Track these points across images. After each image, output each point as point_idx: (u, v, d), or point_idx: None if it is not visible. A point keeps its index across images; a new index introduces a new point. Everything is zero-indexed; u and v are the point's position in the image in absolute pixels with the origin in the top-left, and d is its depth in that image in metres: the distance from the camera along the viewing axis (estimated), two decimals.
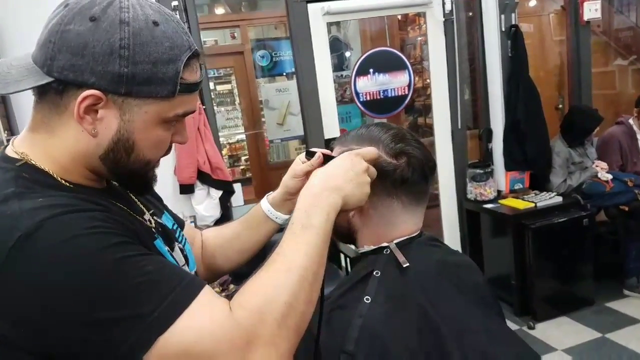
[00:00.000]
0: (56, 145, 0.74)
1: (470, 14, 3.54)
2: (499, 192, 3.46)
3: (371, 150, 0.90)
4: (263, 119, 4.81)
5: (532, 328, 3.04)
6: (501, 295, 3.29)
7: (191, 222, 2.85)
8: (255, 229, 1.10)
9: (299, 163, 1.04)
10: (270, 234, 1.12)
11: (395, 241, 0.96)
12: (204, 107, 2.82)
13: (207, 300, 0.67)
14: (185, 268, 0.93)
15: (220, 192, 2.85)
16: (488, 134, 3.51)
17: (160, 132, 0.76)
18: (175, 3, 2.73)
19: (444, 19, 3.27)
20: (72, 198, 0.69)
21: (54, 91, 0.70)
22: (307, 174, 1.03)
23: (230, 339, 0.64)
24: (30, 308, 0.61)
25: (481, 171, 3.38)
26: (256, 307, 0.67)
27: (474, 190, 3.41)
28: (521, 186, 3.47)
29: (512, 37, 3.24)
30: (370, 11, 3.17)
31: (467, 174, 3.46)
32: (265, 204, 1.09)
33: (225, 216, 2.89)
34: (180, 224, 1.07)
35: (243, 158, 5.37)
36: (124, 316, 0.62)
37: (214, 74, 5.53)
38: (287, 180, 1.06)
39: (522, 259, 3.08)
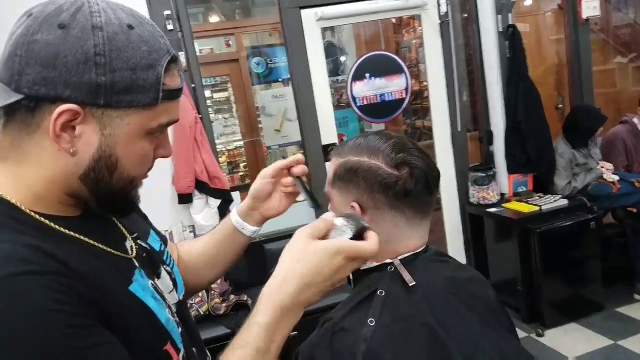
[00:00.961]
0: (29, 171, 0.67)
1: (466, 15, 3.50)
2: (502, 195, 3.40)
3: (370, 252, 0.76)
4: (260, 126, 4.77)
5: (541, 335, 2.97)
6: (507, 301, 3.23)
7: (190, 232, 2.84)
8: (224, 241, 1.05)
9: (269, 166, 1.03)
10: (239, 247, 1.06)
11: (399, 257, 0.91)
12: (200, 116, 2.79)
13: None
14: (174, 293, 0.86)
15: (218, 201, 2.82)
16: (488, 136, 3.45)
17: (145, 144, 0.71)
18: (168, 12, 2.71)
19: (439, 21, 3.24)
20: (31, 249, 0.61)
21: (24, 109, 0.63)
22: (274, 175, 1.02)
23: None
24: None
25: (483, 174, 3.32)
26: None
27: (476, 194, 3.35)
28: (524, 189, 3.40)
29: (510, 37, 3.20)
30: (364, 15, 3.12)
31: (468, 177, 3.40)
32: (233, 214, 1.04)
33: None
34: (163, 241, 1.00)
35: (241, 164, 5.34)
36: None
37: (211, 82, 5.50)
38: (255, 183, 1.02)
39: (528, 263, 3.02)
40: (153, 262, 0.84)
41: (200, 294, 2.45)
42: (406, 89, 3.25)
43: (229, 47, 5.11)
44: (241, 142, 5.30)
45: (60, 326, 0.57)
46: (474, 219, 3.45)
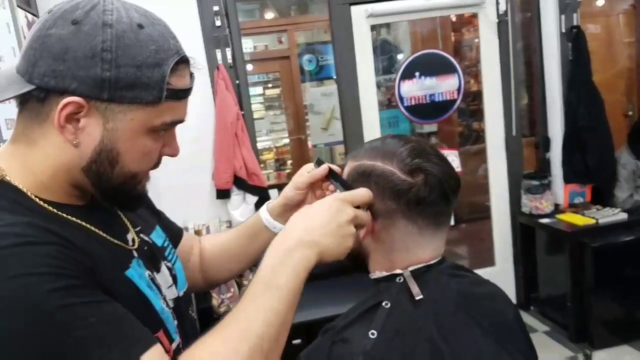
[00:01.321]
0: (36, 158, 0.70)
1: (529, 14, 3.32)
2: (556, 205, 3.21)
3: (362, 195, 0.81)
4: (308, 124, 4.77)
5: (589, 356, 2.79)
6: (555, 317, 3.09)
7: (227, 227, 2.87)
8: (252, 237, 1.06)
9: (303, 174, 0.98)
10: (267, 243, 1.09)
11: (410, 268, 0.86)
12: (242, 112, 2.80)
13: None
14: (173, 289, 0.88)
15: (256, 198, 2.83)
16: (545, 143, 3.26)
17: (148, 142, 0.72)
18: (216, 8, 2.73)
19: (497, 20, 3.09)
20: (32, 226, 0.63)
21: (35, 99, 0.67)
22: (309, 187, 0.99)
23: None
24: None
25: (537, 183, 3.15)
26: None
27: (529, 203, 3.18)
28: (582, 200, 3.20)
29: (573, 39, 3.00)
30: (417, 12, 3.04)
31: (521, 185, 3.23)
32: (264, 212, 1.04)
33: None
34: (176, 235, 1.06)
35: (289, 162, 5.37)
36: None
37: (264, 78, 5.58)
38: (288, 191, 1.00)
39: (580, 279, 2.83)
40: (154, 256, 0.86)
41: (232, 289, 2.47)
42: (458, 90, 3.13)
43: (281, 44, 5.15)
44: (289, 140, 5.34)
45: (57, 285, 0.59)
46: (525, 230, 3.28)
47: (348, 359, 0.78)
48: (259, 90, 5.67)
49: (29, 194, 0.69)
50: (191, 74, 0.76)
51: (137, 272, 0.77)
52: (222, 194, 2.80)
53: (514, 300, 3.35)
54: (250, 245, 1.06)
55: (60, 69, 0.64)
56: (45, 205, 0.69)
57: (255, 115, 5.71)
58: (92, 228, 0.74)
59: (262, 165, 5.25)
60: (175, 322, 0.82)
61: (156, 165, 0.79)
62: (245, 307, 0.68)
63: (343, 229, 0.75)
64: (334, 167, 0.95)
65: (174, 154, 0.79)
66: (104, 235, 0.76)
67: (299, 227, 0.76)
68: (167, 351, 0.76)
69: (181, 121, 0.76)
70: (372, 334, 0.79)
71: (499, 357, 0.81)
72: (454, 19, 5.07)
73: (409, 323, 0.81)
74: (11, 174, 0.69)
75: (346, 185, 0.90)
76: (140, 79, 0.66)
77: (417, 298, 0.82)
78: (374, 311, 0.83)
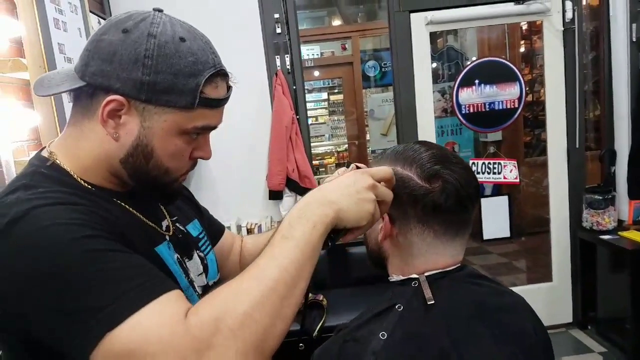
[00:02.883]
0: (82, 146, 0.79)
1: (596, 23, 3.18)
2: (620, 222, 3.05)
3: (382, 170, 0.81)
4: (367, 129, 4.79)
5: None
6: (613, 339, 2.93)
7: None
8: None
9: (335, 175, 1.00)
10: None
11: (426, 274, 0.87)
12: (297, 117, 2.88)
13: (165, 303, 0.63)
14: (202, 277, 0.94)
15: None
16: (611, 156, 3.11)
17: (179, 142, 0.78)
18: (277, 16, 2.82)
19: (563, 29, 2.99)
20: (71, 194, 0.72)
21: (85, 95, 0.76)
22: None
23: (177, 345, 0.60)
24: (2, 287, 0.64)
25: (600, 197, 3.00)
26: (211, 314, 0.62)
27: (590, 218, 3.04)
28: None
29: None
30: (478, 20, 2.99)
31: (583, 200, 3.10)
32: None
33: None
34: (217, 232, 1.13)
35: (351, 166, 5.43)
36: (79, 307, 0.61)
37: (328, 84, 5.67)
38: None
39: None
40: (187, 244, 0.93)
41: None
42: (519, 99, 3.05)
43: (345, 51, 5.20)
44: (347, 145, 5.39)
45: (83, 233, 0.65)
46: (585, 246, 3.14)
47: (357, 357, 0.80)
48: (323, 95, 5.77)
49: (75, 175, 0.78)
50: (229, 87, 0.82)
51: (166, 251, 0.84)
52: (275, 195, 2.87)
53: (569, 319, 3.23)
54: None
55: (108, 69, 0.72)
56: (88, 186, 0.78)
57: (320, 120, 5.82)
58: (129, 208, 0.82)
59: (322, 169, 5.36)
60: None
61: (192, 167, 0.86)
62: (263, 255, 0.69)
63: (362, 193, 0.75)
64: (362, 166, 1.00)
65: (205, 157, 0.84)
66: (140, 215, 0.83)
67: (316, 190, 0.77)
68: None
69: (213, 127, 0.82)
70: (383, 335, 0.81)
71: None
72: (525, 26, 4.93)
73: (419, 327, 0.82)
74: (61, 157, 0.79)
75: None
76: (176, 85, 0.73)
77: (429, 303, 0.83)
78: (387, 313, 0.85)
